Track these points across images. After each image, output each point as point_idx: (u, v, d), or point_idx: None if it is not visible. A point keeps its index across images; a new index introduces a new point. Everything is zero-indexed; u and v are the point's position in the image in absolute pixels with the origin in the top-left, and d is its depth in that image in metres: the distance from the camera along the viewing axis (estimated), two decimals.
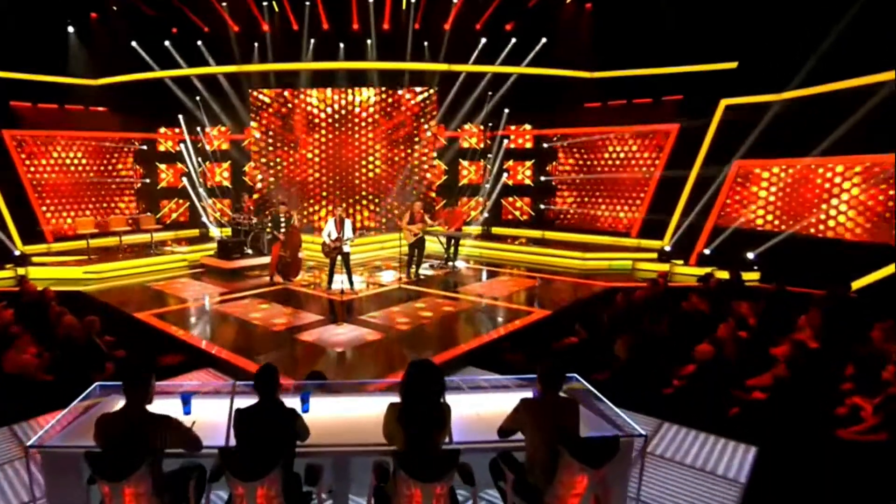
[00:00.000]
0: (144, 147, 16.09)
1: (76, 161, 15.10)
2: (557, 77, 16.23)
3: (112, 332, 6.98)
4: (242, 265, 12.08)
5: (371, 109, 16.80)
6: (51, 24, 13.27)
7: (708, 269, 10.85)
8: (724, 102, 14.14)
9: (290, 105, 16.49)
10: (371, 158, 17.04)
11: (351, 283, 10.31)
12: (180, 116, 15.68)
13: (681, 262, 12.87)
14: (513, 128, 18.24)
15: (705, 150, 14.35)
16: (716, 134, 14.17)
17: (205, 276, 12.01)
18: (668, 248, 14.02)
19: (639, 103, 15.97)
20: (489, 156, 17.77)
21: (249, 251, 12.33)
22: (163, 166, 16.52)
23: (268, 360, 4.72)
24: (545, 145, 18.01)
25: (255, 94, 16.48)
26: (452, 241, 13.09)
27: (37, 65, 13.39)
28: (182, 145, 16.16)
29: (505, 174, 17.42)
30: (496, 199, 17.29)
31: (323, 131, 16.84)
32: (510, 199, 17.86)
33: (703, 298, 8.18)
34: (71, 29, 13.97)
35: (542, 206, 17.61)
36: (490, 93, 16.72)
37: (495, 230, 16.43)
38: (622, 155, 16.61)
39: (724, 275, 10.00)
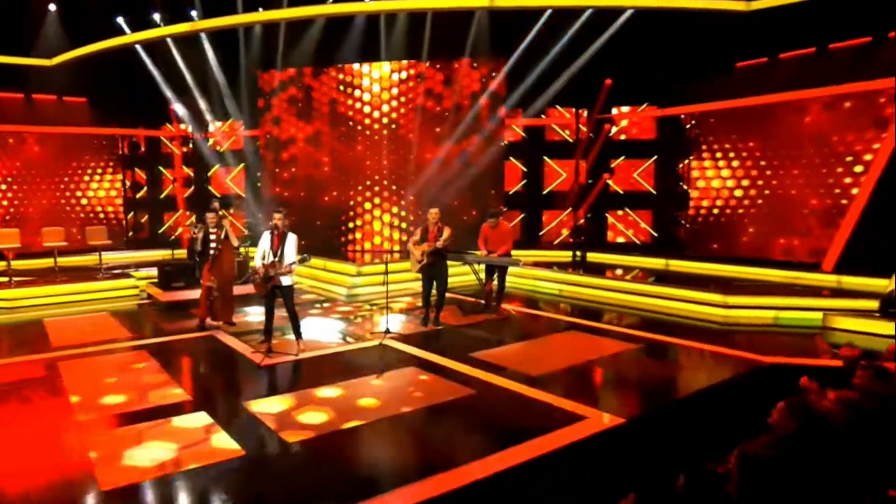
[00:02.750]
0: (139, 148, 14.35)
1: (48, 163, 13.49)
2: (691, 18, 10.52)
3: None
4: (182, 298, 8.91)
5: (405, 88, 13.04)
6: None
7: None
8: None
9: (307, 88, 13.52)
10: (412, 157, 13.14)
11: (297, 333, 6.77)
12: (177, 107, 13.47)
13: None
14: (624, 109, 12.88)
15: None
16: None
17: (142, 309, 9.39)
18: None
19: (840, 48, 10.02)
20: (586, 150, 12.95)
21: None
22: (166, 171, 14.59)
23: None
24: (676, 131, 12.62)
25: (264, 75, 13.69)
26: (495, 273, 8.39)
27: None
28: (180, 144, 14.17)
29: (609, 177, 13.13)
30: (597, 213, 13.15)
31: (350, 123, 13.42)
32: (620, 212, 13.13)
33: None
34: (53, 7, 12.03)
35: (680, 222, 12.60)
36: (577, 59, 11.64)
37: (593, 257, 12.21)
38: (804, 138, 10.50)
39: None
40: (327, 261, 11.39)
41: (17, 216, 13.03)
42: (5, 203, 12.83)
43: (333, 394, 5.43)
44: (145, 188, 14.64)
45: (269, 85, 13.62)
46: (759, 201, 11.37)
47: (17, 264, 11.56)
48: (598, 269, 11.13)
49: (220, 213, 7.86)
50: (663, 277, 10.51)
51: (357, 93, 13.25)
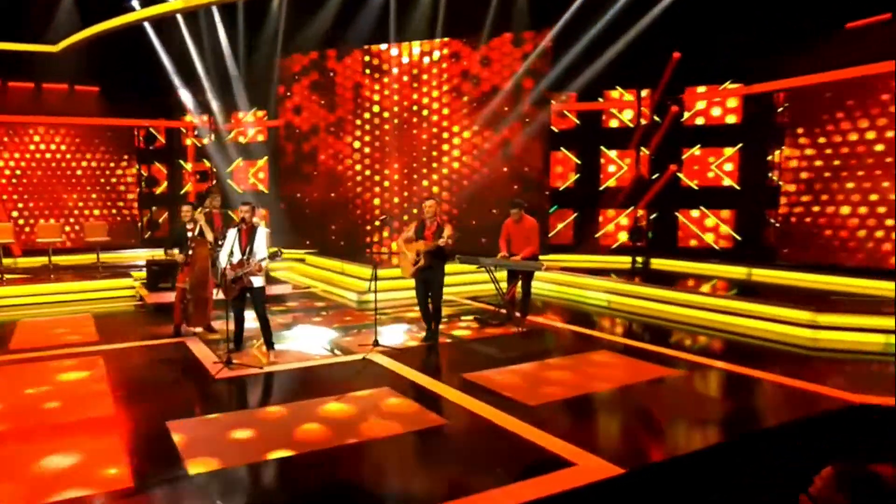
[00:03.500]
0: (156, 140, 14.63)
1: (58, 156, 13.89)
2: None
3: None
4: (170, 300, 8.56)
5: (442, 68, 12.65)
6: None
7: None
8: None
9: (331, 73, 13.33)
10: (448, 147, 12.71)
11: (268, 343, 6.59)
12: (184, 95, 13.69)
13: None
14: (700, 90, 11.94)
15: None
16: None
17: (131, 312, 9.45)
18: None
19: None
20: (649, 138, 12.01)
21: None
22: (188, 165, 14.79)
23: None
24: (767, 113, 11.41)
25: (285, 60, 13.67)
26: (519, 277, 7.86)
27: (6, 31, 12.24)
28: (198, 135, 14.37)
29: (676, 169, 12.07)
30: (665, 212, 12.20)
31: (376, 108, 13.12)
32: (694, 211, 12.17)
33: None
34: None
35: (769, 223, 11.45)
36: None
37: (658, 263, 11.48)
38: None
39: None
40: (345, 263, 11.01)
41: (27, 211, 13.67)
42: (15, 197, 13.43)
43: (275, 417, 4.91)
44: (165, 183, 14.91)
45: (290, 70, 13.59)
46: (873, 197, 9.88)
47: (24, 262, 12.09)
48: (663, 279, 10.19)
49: (213, 205, 7.73)
50: (743, 289, 9.51)
51: (385, 79, 13.00)
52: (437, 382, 5.74)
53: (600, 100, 12.63)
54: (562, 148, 12.82)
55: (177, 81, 13.32)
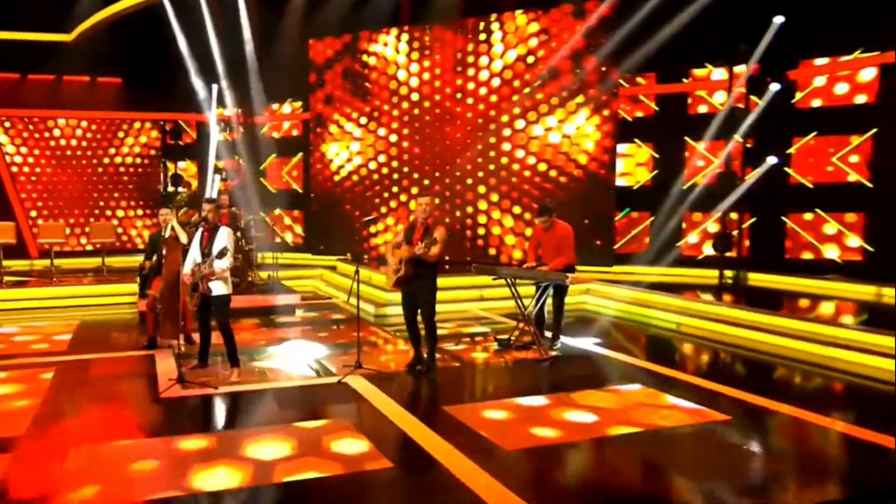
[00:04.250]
0: (182, 134, 14.87)
1: (78, 153, 14.37)
2: None
3: None
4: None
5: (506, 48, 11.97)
6: None
7: None
8: None
9: (364, 57, 13.07)
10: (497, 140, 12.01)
11: (232, 359, 6.36)
12: (214, 87, 13.71)
13: None
14: (820, 62, 10.79)
15: None
16: None
17: (125, 319, 9.55)
18: None
19: None
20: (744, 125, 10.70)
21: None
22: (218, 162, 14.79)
23: None
24: None
25: (317, 44, 13.59)
26: (547, 292, 7.21)
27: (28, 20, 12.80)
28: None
29: (778, 163, 10.78)
30: (768, 216, 11.15)
31: (415, 95, 12.68)
32: (807, 215, 10.98)
33: None
34: None
35: None
36: None
37: (758, 279, 10.54)
38: None
39: None
40: (373, 271, 10.70)
41: (46, 210, 14.20)
42: (34, 196, 14.00)
43: (192, 450, 4.46)
44: (194, 182, 15.10)
45: (323, 55, 13.48)
46: None
47: (40, 263, 12.54)
48: (756, 298, 9.30)
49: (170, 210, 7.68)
50: (867, 314, 8.35)
51: (426, 62, 12.54)
52: (408, 414, 5.16)
53: (685, 80, 11.52)
54: (636, 139, 11.83)
55: (199, 71, 13.44)
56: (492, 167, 12.05)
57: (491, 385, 6.38)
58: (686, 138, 11.59)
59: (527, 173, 11.73)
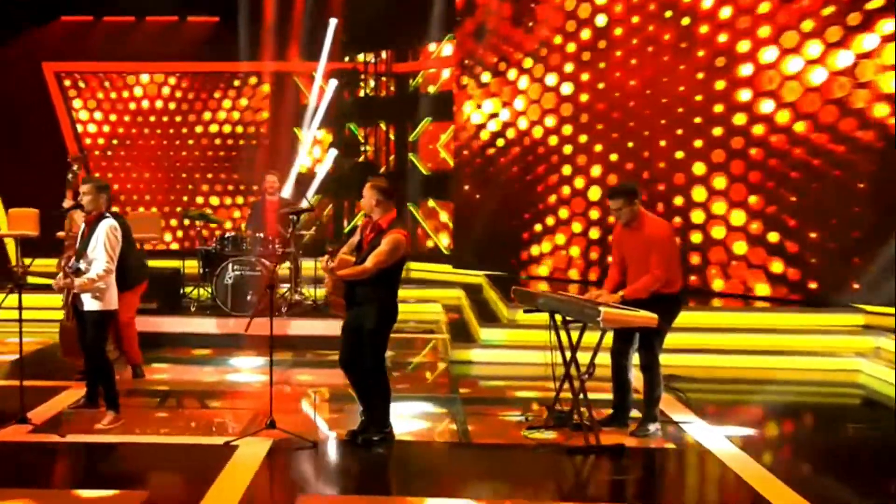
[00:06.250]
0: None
1: (164, 118, 15.40)
2: None
3: None
4: (152, 329, 9.59)
5: None
6: None
7: None
8: None
9: None
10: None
11: (107, 399, 6.98)
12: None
13: None
14: None
15: None
16: None
17: None
18: None
19: None
20: None
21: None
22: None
23: None
24: None
25: None
26: (632, 341, 6.57)
27: None
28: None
29: None
30: None
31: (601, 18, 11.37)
32: None
33: None
34: None
35: None
36: None
37: None
38: None
39: None
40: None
41: (129, 184, 15.31)
42: (110, 175, 14.79)
43: None
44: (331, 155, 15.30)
45: None
46: None
47: None
48: None
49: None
50: None
51: None
52: None
53: None
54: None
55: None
56: (716, 132, 10.15)
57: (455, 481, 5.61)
58: None
59: (773, 139, 9.58)
